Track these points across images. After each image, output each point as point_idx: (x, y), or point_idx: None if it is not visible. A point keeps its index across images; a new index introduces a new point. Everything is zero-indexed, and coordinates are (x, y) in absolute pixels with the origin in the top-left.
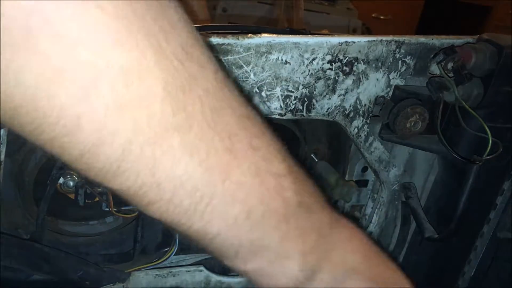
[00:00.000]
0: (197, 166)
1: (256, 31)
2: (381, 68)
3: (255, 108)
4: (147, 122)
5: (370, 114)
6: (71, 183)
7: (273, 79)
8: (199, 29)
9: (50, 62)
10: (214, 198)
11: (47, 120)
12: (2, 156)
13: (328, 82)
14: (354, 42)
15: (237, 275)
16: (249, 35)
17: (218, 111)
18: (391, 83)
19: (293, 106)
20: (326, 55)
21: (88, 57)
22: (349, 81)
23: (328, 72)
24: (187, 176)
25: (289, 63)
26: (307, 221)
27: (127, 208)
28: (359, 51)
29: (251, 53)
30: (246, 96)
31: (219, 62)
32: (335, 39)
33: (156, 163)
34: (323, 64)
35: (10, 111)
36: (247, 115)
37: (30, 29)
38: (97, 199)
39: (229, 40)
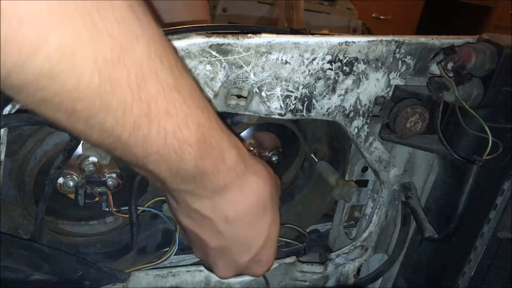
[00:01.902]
0: (115, 124)
1: (256, 31)
2: (381, 68)
3: (195, 83)
4: (75, 89)
5: (370, 114)
6: (71, 183)
7: (273, 79)
8: (199, 29)
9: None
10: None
11: None
12: (2, 156)
13: (328, 82)
14: (354, 42)
15: (237, 275)
16: (249, 35)
17: (144, 80)
18: (391, 83)
19: (293, 106)
20: (326, 55)
21: (31, 34)
22: (349, 81)
23: (328, 72)
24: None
25: (289, 63)
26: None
27: (127, 208)
28: (359, 51)
29: (251, 53)
30: (188, 70)
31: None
32: (335, 39)
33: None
34: (323, 64)
35: None
36: (175, 86)
37: None
38: (97, 199)
39: (229, 40)
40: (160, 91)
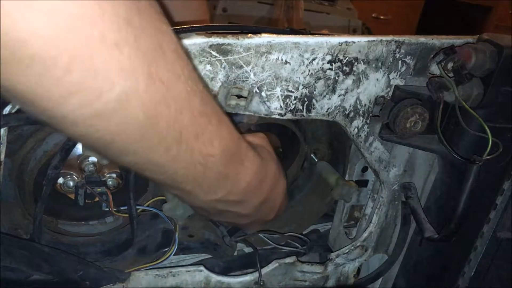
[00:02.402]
0: (149, 150)
1: (256, 31)
2: (381, 68)
3: (212, 96)
4: (122, 124)
5: (370, 114)
6: (71, 183)
7: (273, 79)
8: (199, 29)
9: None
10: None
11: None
12: (2, 156)
13: (328, 82)
14: (354, 42)
15: (237, 275)
16: (249, 35)
17: (180, 112)
18: (391, 83)
19: (293, 106)
20: (326, 55)
21: (100, 84)
22: (349, 81)
23: (328, 72)
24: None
25: (289, 63)
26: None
27: (127, 208)
28: (359, 51)
29: (251, 53)
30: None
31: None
32: (335, 39)
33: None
34: (323, 64)
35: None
36: (203, 112)
37: None
38: (97, 199)
39: (229, 40)
40: (192, 119)
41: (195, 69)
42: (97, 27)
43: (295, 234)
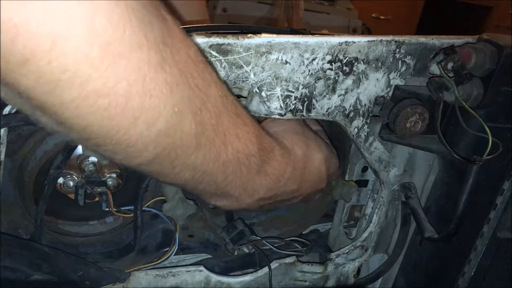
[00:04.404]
0: (203, 159)
1: (256, 31)
2: (381, 68)
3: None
4: (180, 137)
5: (370, 114)
6: (71, 183)
7: (273, 79)
8: (199, 29)
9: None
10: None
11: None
12: (2, 156)
13: (328, 82)
14: (354, 42)
15: (237, 275)
16: (249, 35)
17: (220, 116)
18: (391, 83)
19: (293, 106)
20: (326, 55)
21: (156, 109)
22: (349, 81)
23: (328, 72)
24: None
25: (289, 63)
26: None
27: (127, 208)
28: (359, 51)
29: (251, 53)
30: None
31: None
32: (335, 39)
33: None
34: (323, 64)
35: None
36: (237, 113)
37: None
38: (97, 199)
39: (229, 40)
40: (231, 120)
41: (219, 75)
42: (143, 52)
43: (296, 238)
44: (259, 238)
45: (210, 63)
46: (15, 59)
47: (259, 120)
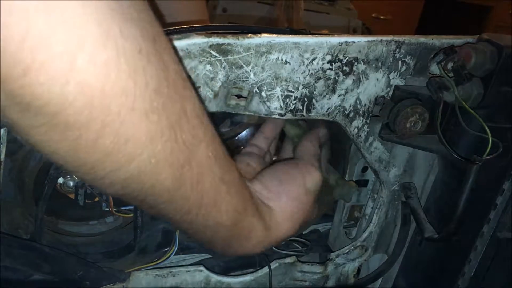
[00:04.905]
0: (173, 211)
1: (256, 31)
2: (381, 68)
3: (232, 161)
4: (152, 187)
5: (370, 114)
6: (71, 183)
7: (273, 79)
8: (199, 29)
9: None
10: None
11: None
12: (2, 156)
13: (328, 82)
14: (354, 42)
15: (237, 275)
16: (249, 35)
17: (202, 176)
18: (391, 83)
19: (293, 106)
20: (326, 55)
21: (131, 150)
22: (349, 81)
23: (328, 72)
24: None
25: (289, 63)
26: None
27: (127, 208)
28: (359, 51)
29: (251, 53)
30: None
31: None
32: (335, 39)
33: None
34: (323, 64)
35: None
36: (222, 178)
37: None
38: (97, 199)
39: (229, 40)
40: (212, 184)
41: (216, 134)
42: (128, 98)
43: (296, 238)
44: None
45: (212, 64)
46: None
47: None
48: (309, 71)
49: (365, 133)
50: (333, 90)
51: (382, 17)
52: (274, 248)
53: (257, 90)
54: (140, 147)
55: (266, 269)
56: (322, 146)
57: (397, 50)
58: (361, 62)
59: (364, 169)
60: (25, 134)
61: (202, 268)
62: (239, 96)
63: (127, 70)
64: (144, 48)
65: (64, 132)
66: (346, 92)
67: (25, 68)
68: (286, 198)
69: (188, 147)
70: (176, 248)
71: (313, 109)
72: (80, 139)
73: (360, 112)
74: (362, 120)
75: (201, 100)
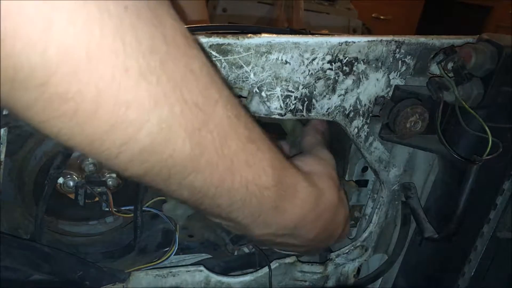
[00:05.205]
0: (203, 182)
1: (256, 31)
2: (381, 68)
3: (258, 125)
4: (171, 157)
5: (370, 114)
6: (71, 183)
7: (273, 79)
8: (199, 29)
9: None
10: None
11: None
12: (2, 156)
13: (328, 82)
14: (354, 42)
15: (237, 275)
16: (249, 35)
17: (225, 138)
18: (391, 83)
19: (293, 106)
20: (326, 55)
21: (136, 116)
22: (349, 81)
23: (328, 72)
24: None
25: (289, 63)
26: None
27: (127, 208)
28: (359, 51)
29: (251, 53)
30: (250, 114)
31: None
32: (335, 39)
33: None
34: (323, 64)
35: None
36: (250, 137)
37: None
38: (97, 199)
39: (229, 40)
40: (239, 145)
41: (232, 95)
42: (119, 58)
43: None
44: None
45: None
46: None
47: (260, 121)
48: (309, 71)
49: (365, 133)
50: (333, 90)
51: (382, 17)
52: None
53: (257, 90)
54: (145, 112)
55: (266, 269)
56: (323, 133)
57: (397, 50)
58: (361, 62)
59: (364, 169)
60: (28, 118)
61: (202, 268)
62: (239, 96)
63: (112, 28)
64: (130, 4)
65: (60, 106)
66: (346, 92)
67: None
68: (323, 168)
69: (201, 108)
70: (176, 248)
71: (313, 109)
72: (79, 112)
73: (360, 112)
74: (362, 120)
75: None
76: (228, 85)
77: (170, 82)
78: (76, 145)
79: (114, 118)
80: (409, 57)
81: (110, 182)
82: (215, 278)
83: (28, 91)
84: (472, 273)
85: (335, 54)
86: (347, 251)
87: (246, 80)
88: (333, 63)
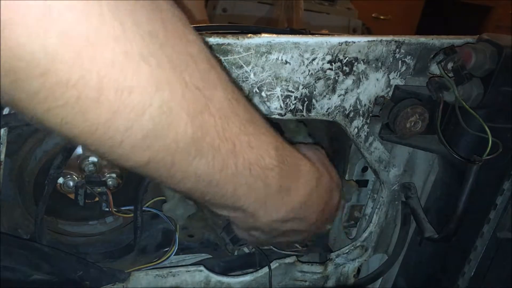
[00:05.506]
0: (207, 167)
1: (256, 31)
2: (381, 68)
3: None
4: (174, 141)
5: (370, 114)
6: (71, 183)
7: (273, 79)
8: (199, 29)
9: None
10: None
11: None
12: (2, 156)
13: (328, 82)
14: (354, 42)
15: (237, 275)
16: (249, 35)
17: (227, 121)
18: (391, 83)
19: (293, 106)
20: (326, 55)
21: (138, 100)
22: (349, 81)
23: (328, 72)
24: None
25: (289, 63)
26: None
27: (127, 208)
28: (359, 51)
29: (251, 53)
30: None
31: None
32: (335, 39)
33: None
34: (323, 64)
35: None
36: (251, 120)
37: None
38: (97, 199)
39: (229, 40)
40: (241, 127)
41: (231, 79)
42: (119, 43)
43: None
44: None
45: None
46: None
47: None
48: (309, 71)
49: (365, 133)
50: (333, 90)
51: (382, 17)
52: (273, 248)
53: (257, 90)
54: (147, 96)
55: (266, 269)
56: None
57: (397, 50)
58: (361, 62)
59: (364, 169)
60: (31, 108)
61: (202, 268)
62: None
63: (111, 13)
64: None
65: (62, 94)
66: (346, 92)
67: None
68: (316, 154)
69: (202, 91)
70: (176, 248)
71: (313, 109)
72: (81, 99)
73: (360, 112)
74: (362, 120)
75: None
76: (226, 70)
77: (171, 65)
78: (80, 135)
79: (117, 103)
80: (409, 57)
81: (110, 182)
82: (215, 278)
83: (30, 81)
84: (472, 273)
85: (335, 54)
86: (347, 251)
87: (246, 80)
88: (333, 63)
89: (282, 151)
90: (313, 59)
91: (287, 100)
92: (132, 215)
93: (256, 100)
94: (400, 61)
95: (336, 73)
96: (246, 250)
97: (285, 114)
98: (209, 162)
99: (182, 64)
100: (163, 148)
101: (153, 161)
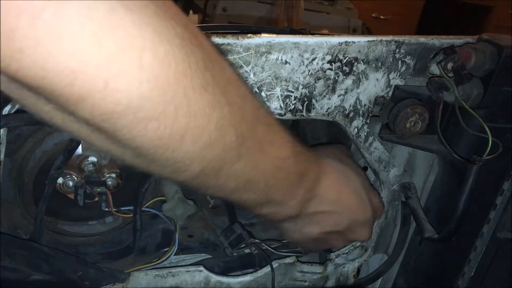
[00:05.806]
0: (244, 167)
1: (256, 31)
2: (381, 68)
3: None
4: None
5: (370, 114)
6: (71, 183)
7: (273, 79)
8: (199, 29)
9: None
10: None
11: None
12: (2, 156)
13: (328, 82)
14: (354, 42)
15: (236, 275)
16: (249, 35)
17: (255, 127)
18: (391, 83)
19: (293, 106)
20: (326, 55)
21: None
22: (349, 81)
23: (328, 72)
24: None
25: (289, 63)
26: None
27: (126, 208)
28: (359, 51)
29: (251, 53)
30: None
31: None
32: (335, 39)
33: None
34: (323, 64)
35: None
36: (269, 123)
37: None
38: (96, 199)
39: (229, 40)
40: (264, 129)
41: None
42: (187, 79)
43: None
44: (258, 241)
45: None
46: (72, 97)
47: None
48: (309, 71)
49: (365, 133)
50: (333, 90)
51: (382, 17)
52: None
53: (257, 90)
54: (207, 118)
55: (265, 270)
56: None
57: (397, 50)
58: (361, 62)
59: (364, 169)
60: (113, 137)
61: (202, 268)
62: None
63: (181, 56)
64: (183, 35)
65: (146, 126)
66: (346, 92)
67: (104, 82)
68: (332, 157)
69: (239, 105)
70: (176, 248)
71: (313, 109)
72: (160, 128)
73: (360, 112)
74: (362, 120)
75: None
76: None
77: (219, 90)
78: (150, 155)
79: (185, 128)
80: (409, 57)
81: (110, 182)
82: (215, 278)
83: (125, 118)
84: (472, 273)
85: (335, 54)
86: (347, 251)
87: (246, 80)
88: (333, 63)
89: (293, 142)
90: (313, 59)
91: (287, 100)
92: (131, 215)
93: None
94: (400, 61)
95: (336, 73)
96: (245, 250)
97: (285, 114)
98: (246, 163)
99: (226, 87)
100: (213, 158)
101: (205, 170)
